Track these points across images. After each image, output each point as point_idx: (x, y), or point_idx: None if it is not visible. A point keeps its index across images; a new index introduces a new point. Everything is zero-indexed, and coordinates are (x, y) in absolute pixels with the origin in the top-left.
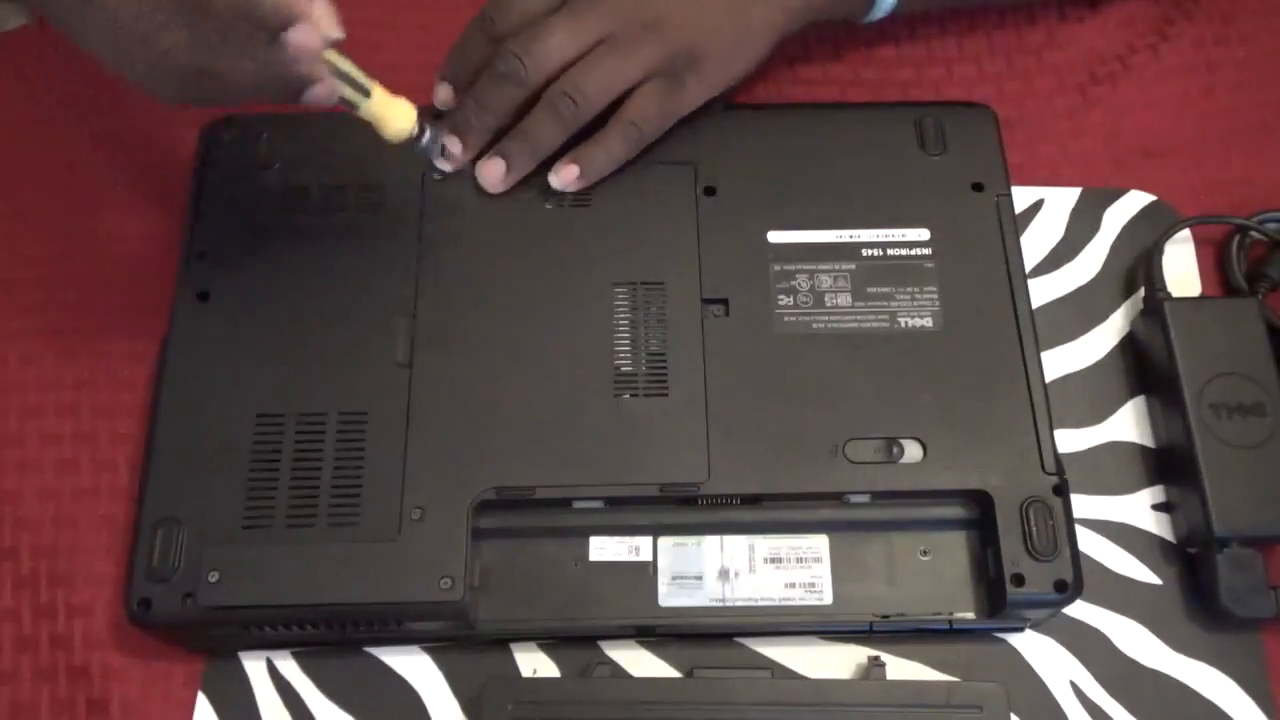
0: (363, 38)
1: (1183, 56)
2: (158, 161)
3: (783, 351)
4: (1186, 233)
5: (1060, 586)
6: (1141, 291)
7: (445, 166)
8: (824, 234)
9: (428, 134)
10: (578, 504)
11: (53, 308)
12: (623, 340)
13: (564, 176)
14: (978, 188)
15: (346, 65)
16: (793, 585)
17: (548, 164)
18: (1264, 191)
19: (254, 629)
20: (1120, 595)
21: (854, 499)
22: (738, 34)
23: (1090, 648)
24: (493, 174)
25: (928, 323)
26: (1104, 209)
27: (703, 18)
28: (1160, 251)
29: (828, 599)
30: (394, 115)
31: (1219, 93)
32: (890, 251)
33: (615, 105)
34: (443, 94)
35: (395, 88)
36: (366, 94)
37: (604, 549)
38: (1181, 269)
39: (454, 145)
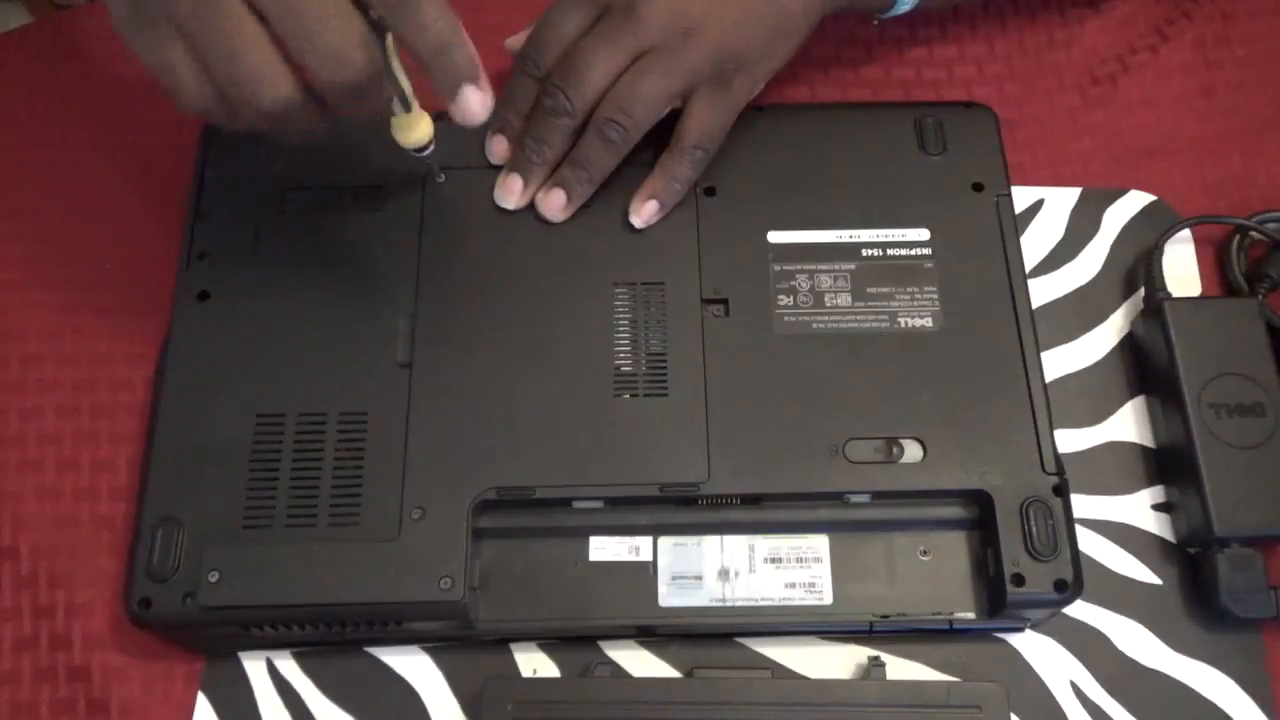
0: None
1: (1183, 56)
2: (158, 161)
3: (783, 351)
4: (1186, 233)
5: (1060, 586)
6: (1141, 291)
7: (508, 204)
8: (824, 234)
9: (432, 146)
10: (578, 504)
11: (52, 308)
12: (623, 340)
13: (645, 215)
14: (978, 188)
15: (405, 80)
16: (793, 585)
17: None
18: (1264, 191)
19: (254, 629)
20: (1120, 595)
21: (854, 499)
22: (778, 23)
23: (1090, 648)
24: (554, 205)
25: (928, 323)
26: (1104, 209)
27: (743, 15)
28: (1160, 251)
29: (828, 599)
30: (419, 125)
31: (1219, 93)
32: (890, 251)
33: (675, 112)
34: (498, 148)
35: None
36: (408, 108)
37: (604, 549)
38: (1181, 269)
39: (515, 184)
